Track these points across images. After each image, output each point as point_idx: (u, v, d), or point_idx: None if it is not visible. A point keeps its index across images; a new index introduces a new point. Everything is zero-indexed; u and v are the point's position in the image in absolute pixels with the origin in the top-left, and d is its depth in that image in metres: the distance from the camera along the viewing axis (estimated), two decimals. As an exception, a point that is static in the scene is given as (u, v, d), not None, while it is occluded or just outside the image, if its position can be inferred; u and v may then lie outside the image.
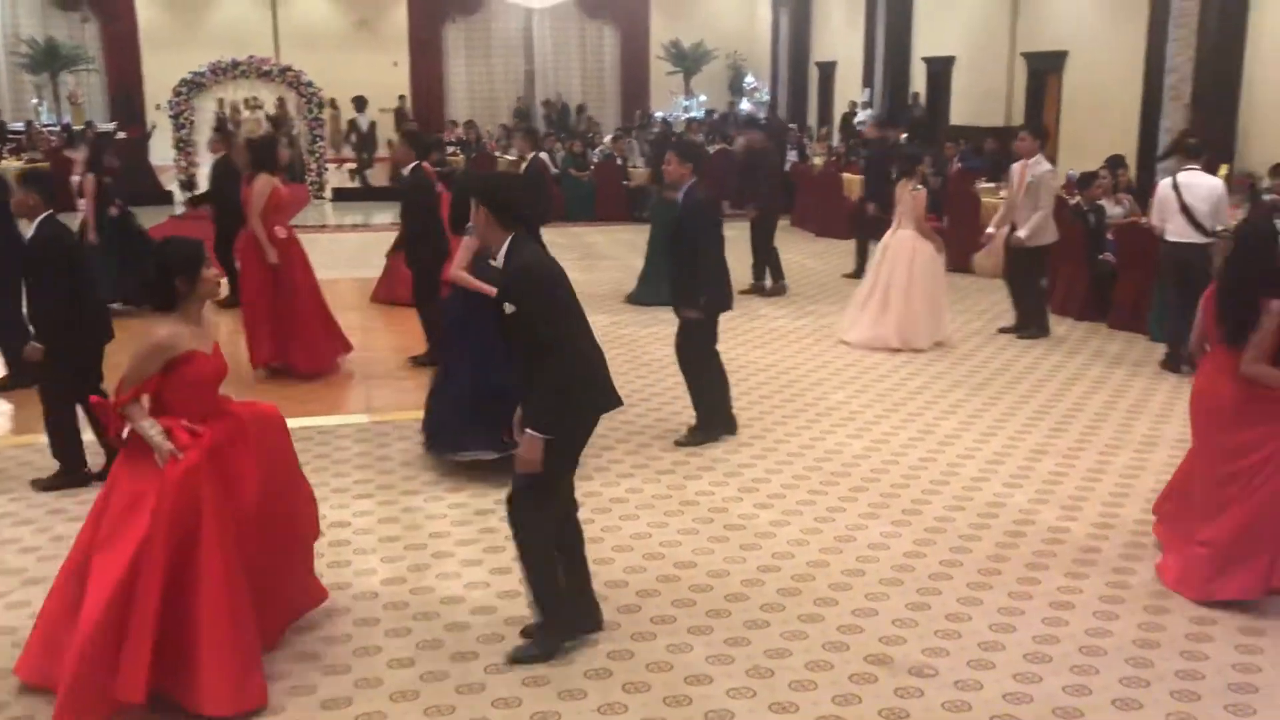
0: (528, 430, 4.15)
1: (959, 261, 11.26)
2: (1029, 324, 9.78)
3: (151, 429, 4.02)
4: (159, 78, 23.59)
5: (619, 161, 17.92)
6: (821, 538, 5.55)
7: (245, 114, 22.71)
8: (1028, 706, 4.06)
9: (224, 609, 3.93)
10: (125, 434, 4.08)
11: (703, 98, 26.88)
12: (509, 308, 4.18)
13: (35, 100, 25.62)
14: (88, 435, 6.25)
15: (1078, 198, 10.61)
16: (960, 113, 19.89)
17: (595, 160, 18.18)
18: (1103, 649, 4.45)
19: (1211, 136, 11.29)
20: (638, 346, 9.34)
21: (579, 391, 4.19)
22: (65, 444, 6.22)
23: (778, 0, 27.30)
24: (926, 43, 20.94)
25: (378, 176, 21.23)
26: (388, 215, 17.39)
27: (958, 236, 11.59)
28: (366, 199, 20.04)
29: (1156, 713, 4.02)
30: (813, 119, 25.76)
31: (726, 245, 6.94)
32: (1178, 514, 5.22)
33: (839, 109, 23.96)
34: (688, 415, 7.16)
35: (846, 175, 16.33)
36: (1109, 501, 6.00)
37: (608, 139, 19.57)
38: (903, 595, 4.93)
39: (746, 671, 4.29)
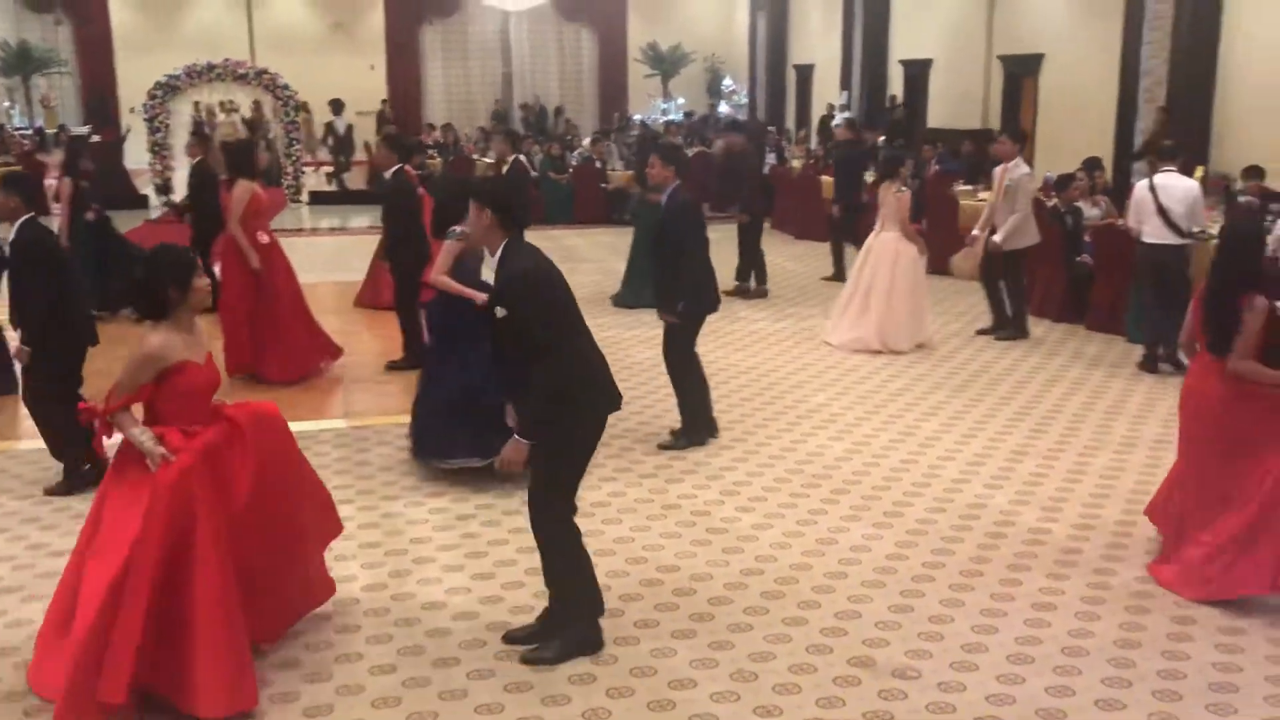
0: (515, 434, 4.15)
1: (937, 264, 11.29)
2: (1005, 324, 9.82)
3: (142, 435, 4.01)
4: (133, 81, 23.43)
5: (598, 164, 17.89)
6: (804, 540, 5.55)
7: (221, 117, 22.59)
8: (1011, 708, 4.07)
9: (219, 611, 3.92)
10: (108, 440, 4.06)
11: (681, 100, 26.92)
12: (500, 312, 4.16)
13: (7, 104, 25.41)
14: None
15: (1055, 200, 10.66)
16: (937, 115, 19.99)
17: (574, 163, 18.15)
18: (1085, 649, 4.47)
19: (1187, 139, 11.40)
20: (620, 349, 9.32)
21: (578, 393, 4.18)
22: (66, 443, 6.14)
23: (755, 3, 27.37)
24: (904, 45, 21.04)
25: (355, 180, 21.14)
26: (365, 219, 17.33)
27: (936, 239, 11.62)
28: (343, 202, 19.96)
29: (1139, 713, 4.04)
30: (791, 121, 25.83)
31: (711, 247, 6.95)
32: (1175, 515, 5.22)
33: (817, 111, 24.03)
34: (670, 419, 7.15)
35: (825, 178, 16.35)
36: (1089, 502, 6.03)
37: (586, 142, 19.55)
38: (885, 597, 4.93)
39: (730, 675, 4.29)
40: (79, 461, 6.16)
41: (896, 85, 21.33)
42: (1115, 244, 9.65)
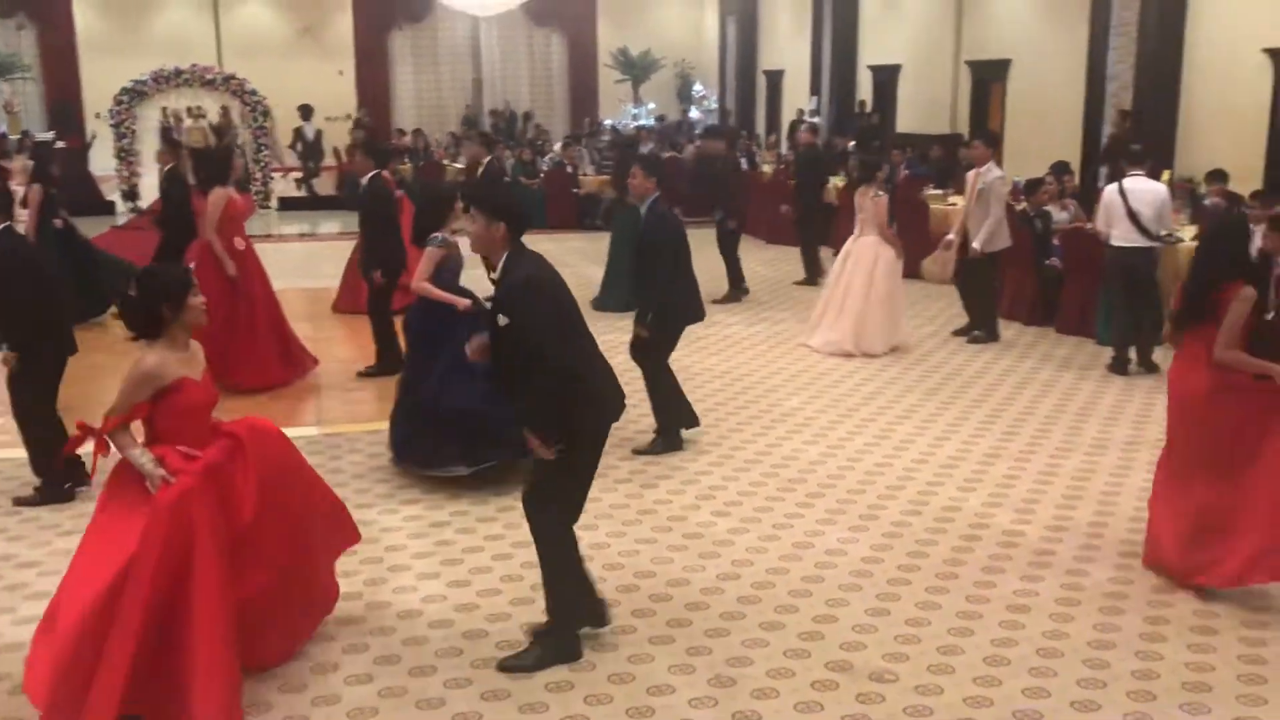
0: (526, 431, 4.22)
1: (908, 268, 11.33)
2: (978, 326, 9.89)
3: (142, 456, 3.99)
4: (99, 86, 23.15)
5: (569, 169, 17.87)
6: (780, 544, 5.56)
7: (188, 123, 22.38)
8: (988, 710, 4.09)
9: (218, 634, 3.87)
10: (105, 455, 4.04)
11: (651, 105, 26.93)
12: (503, 319, 4.14)
13: (-31, 110, 25.05)
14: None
15: (1024, 203, 10.75)
16: (906, 120, 20.11)
17: (545, 168, 18.12)
18: (1060, 651, 4.50)
19: (1152, 143, 11.51)
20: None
21: (581, 400, 4.18)
22: (50, 453, 6.04)
23: (725, 9, 27.44)
24: (872, 51, 21.14)
25: (324, 185, 21.02)
26: (335, 224, 17.23)
27: (906, 243, 11.63)
28: (313, 208, 19.84)
29: (1114, 713, 4.07)
30: (761, 127, 25.90)
31: (692, 253, 6.95)
32: (1166, 507, 5.19)
33: (787, 117, 24.10)
34: (645, 424, 7.15)
35: (795, 183, 16.41)
36: (1061, 504, 6.07)
37: (558, 147, 19.50)
38: (862, 601, 4.95)
39: (708, 681, 4.28)
40: (55, 474, 6.08)
41: (866, 90, 21.44)
42: (1084, 247, 9.73)
